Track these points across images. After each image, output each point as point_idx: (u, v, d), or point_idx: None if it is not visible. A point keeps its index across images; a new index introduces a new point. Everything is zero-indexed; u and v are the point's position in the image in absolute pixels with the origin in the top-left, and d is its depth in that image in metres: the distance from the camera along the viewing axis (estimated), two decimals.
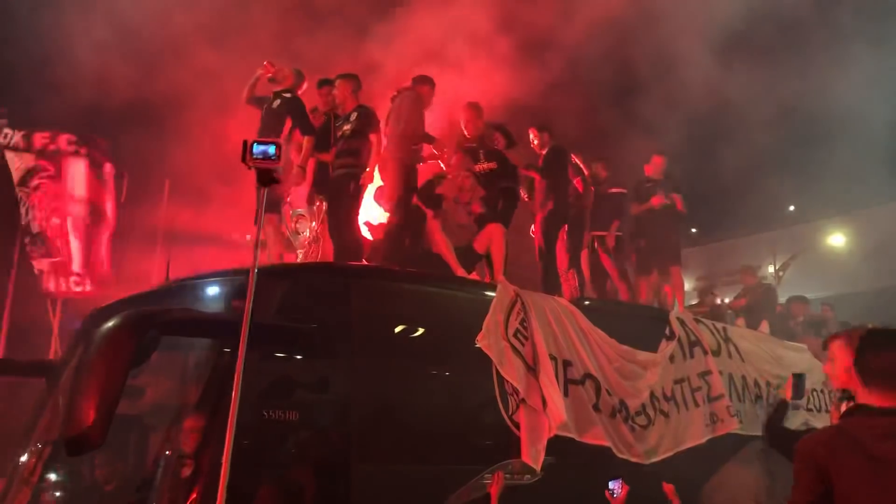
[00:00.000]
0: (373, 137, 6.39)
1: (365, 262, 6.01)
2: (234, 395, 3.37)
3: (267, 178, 3.58)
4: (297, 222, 6.27)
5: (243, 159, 3.56)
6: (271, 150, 3.55)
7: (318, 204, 6.23)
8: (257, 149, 3.54)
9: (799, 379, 6.47)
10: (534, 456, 5.05)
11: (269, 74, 7.07)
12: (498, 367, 5.14)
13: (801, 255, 29.90)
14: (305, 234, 6.12)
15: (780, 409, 6.50)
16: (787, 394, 6.68)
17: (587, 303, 7.17)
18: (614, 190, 8.76)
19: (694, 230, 37.71)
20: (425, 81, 6.85)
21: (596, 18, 11.19)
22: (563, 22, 11.01)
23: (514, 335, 5.39)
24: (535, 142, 7.98)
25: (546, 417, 5.19)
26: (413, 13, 9.99)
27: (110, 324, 3.34)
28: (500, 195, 6.75)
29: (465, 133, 7.20)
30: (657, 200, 8.58)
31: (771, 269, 32.29)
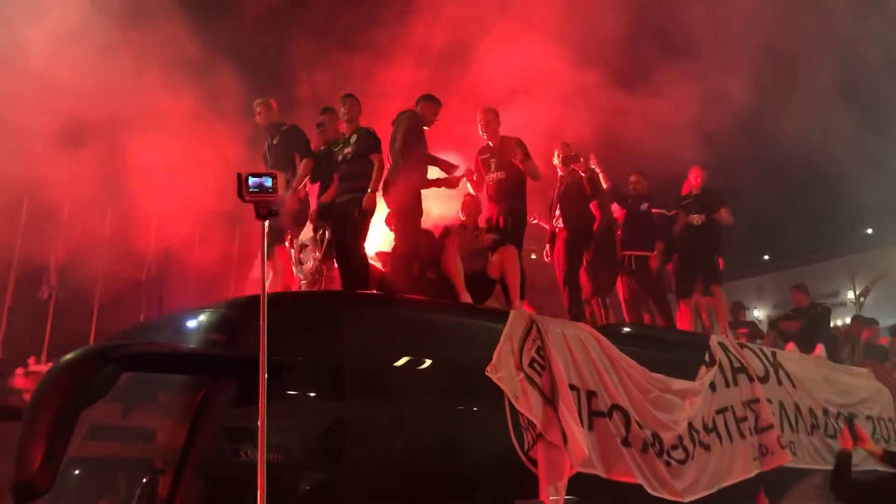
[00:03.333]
0: (374, 158, 6.22)
1: (375, 290, 5.78)
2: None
3: (265, 211, 3.48)
4: (300, 252, 6.11)
5: (239, 193, 3.47)
6: (268, 182, 3.47)
7: (321, 233, 6.06)
8: (252, 181, 3.45)
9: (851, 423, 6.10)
10: (552, 496, 4.67)
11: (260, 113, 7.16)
12: (512, 401, 4.79)
13: (882, 279, 28.55)
14: (309, 265, 5.94)
15: (844, 461, 6.04)
16: (846, 443, 6.21)
17: (626, 329, 6.77)
18: (656, 210, 8.32)
19: (766, 257, 36.60)
20: (428, 100, 6.65)
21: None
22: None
23: (530, 365, 5.04)
24: (559, 159, 7.67)
25: (567, 453, 4.81)
26: None
27: (62, 360, 3.17)
28: (507, 214, 6.48)
29: (484, 136, 6.99)
30: (694, 218, 8.16)
31: (850, 294, 31.00)
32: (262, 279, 3.47)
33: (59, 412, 3.03)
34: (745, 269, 31.94)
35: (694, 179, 8.51)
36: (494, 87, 8.72)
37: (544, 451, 4.79)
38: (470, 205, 6.47)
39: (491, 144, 6.97)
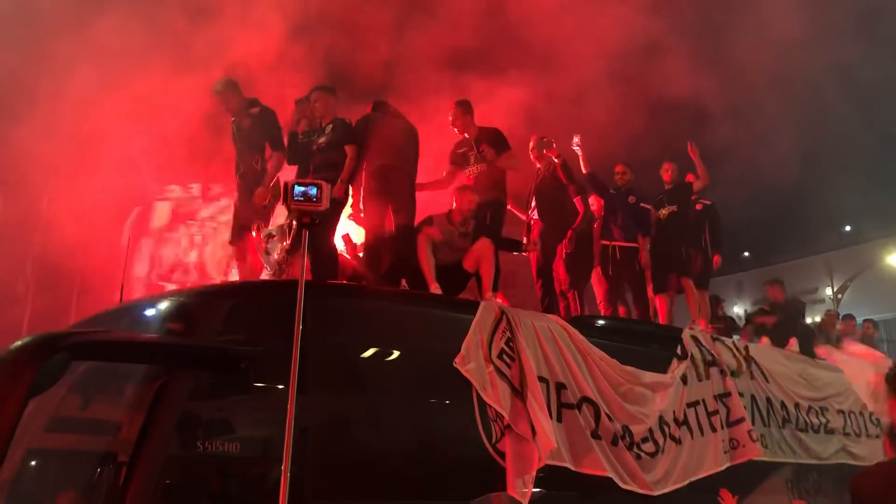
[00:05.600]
0: (348, 150, 6.14)
1: (344, 281, 5.71)
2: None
3: (308, 220, 3.48)
4: (267, 242, 6.02)
5: (284, 201, 3.46)
6: (313, 191, 3.44)
7: (288, 222, 5.95)
8: (298, 190, 3.44)
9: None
10: (521, 488, 4.61)
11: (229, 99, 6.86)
12: (480, 392, 4.73)
13: (860, 275, 28.80)
14: (276, 255, 5.85)
15: None
16: None
17: (599, 322, 6.72)
18: (644, 205, 8.28)
19: (746, 254, 36.83)
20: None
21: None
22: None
23: (499, 356, 4.98)
24: (532, 154, 7.62)
25: (535, 446, 4.76)
26: None
27: (10, 347, 3.07)
28: (486, 207, 6.39)
29: (456, 131, 6.93)
30: (662, 212, 8.14)
31: (829, 290, 31.20)
32: (301, 282, 3.44)
33: (5, 401, 2.94)
34: (725, 266, 32.03)
35: (665, 173, 8.47)
36: None
37: (512, 444, 4.73)
38: (464, 198, 6.27)
39: (467, 136, 6.92)
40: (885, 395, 3.31)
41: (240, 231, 6.53)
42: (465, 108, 6.93)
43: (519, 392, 4.91)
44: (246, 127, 6.68)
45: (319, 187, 3.43)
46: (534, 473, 4.68)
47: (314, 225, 3.47)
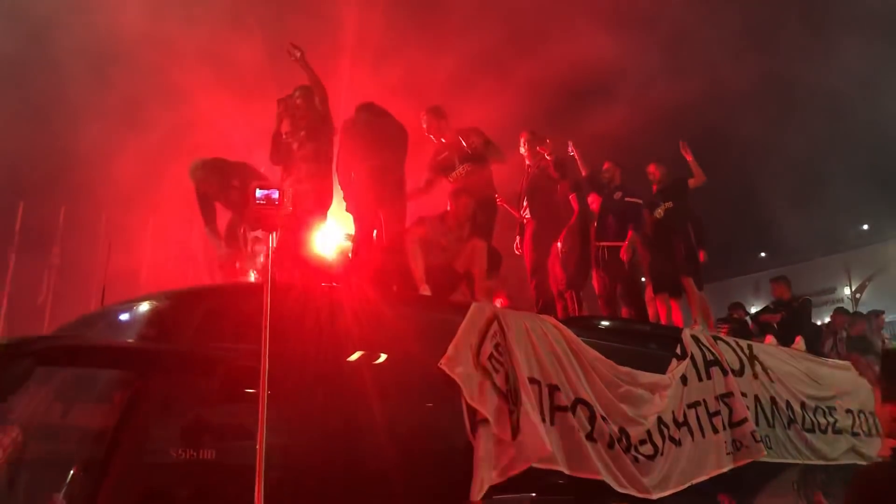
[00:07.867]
0: (328, 144, 6.08)
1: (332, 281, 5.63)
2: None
3: (270, 224, 3.64)
4: (253, 245, 5.96)
5: (247, 205, 3.61)
6: (275, 194, 3.54)
7: None
8: (259, 193, 3.52)
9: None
10: (479, 486, 4.42)
11: None
12: (467, 396, 4.59)
13: (878, 274, 28.36)
14: (261, 259, 5.78)
15: None
16: None
17: (596, 322, 6.59)
18: (630, 199, 8.08)
19: (763, 254, 36.46)
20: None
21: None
22: None
23: (489, 359, 4.87)
24: (525, 147, 7.51)
25: (513, 448, 4.60)
26: None
27: None
28: (476, 207, 6.30)
29: (433, 139, 6.84)
30: (658, 212, 7.99)
31: (847, 290, 30.76)
32: (266, 285, 3.45)
33: None
34: (742, 266, 31.89)
35: (652, 174, 8.32)
36: None
37: (484, 441, 4.56)
38: (460, 202, 6.14)
39: (444, 141, 6.83)
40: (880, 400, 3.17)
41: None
42: (437, 113, 6.84)
43: (506, 396, 4.78)
44: (235, 200, 6.56)
45: (282, 191, 3.50)
46: (507, 478, 4.51)
47: (276, 228, 3.64)
